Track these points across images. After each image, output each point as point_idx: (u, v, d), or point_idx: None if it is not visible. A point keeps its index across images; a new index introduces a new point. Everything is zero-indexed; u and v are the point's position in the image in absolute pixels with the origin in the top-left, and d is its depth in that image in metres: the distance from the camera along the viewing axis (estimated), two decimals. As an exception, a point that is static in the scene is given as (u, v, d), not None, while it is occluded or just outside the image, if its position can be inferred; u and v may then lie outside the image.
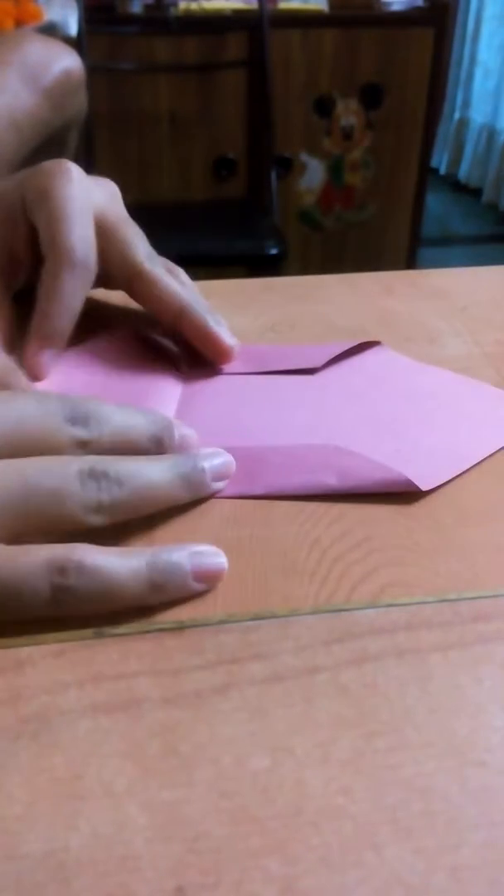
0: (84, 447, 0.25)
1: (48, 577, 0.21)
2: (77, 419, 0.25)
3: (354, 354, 0.37)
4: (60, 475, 0.23)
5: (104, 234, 0.35)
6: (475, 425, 0.32)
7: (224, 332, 0.35)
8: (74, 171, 0.34)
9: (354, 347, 0.37)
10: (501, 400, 0.34)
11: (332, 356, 0.36)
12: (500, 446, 0.31)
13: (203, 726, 0.19)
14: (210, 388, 0.34)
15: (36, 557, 0.22)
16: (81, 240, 0.33)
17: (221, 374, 0.35)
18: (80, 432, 0.25)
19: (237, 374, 0.35)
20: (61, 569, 0.21)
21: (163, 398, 0.33)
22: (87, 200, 0.34)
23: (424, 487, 0.28)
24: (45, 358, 0.33)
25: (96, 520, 0.24)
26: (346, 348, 0.37)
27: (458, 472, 0.29)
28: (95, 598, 0.22)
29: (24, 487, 0.23)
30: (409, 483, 0.28)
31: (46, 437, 0.25)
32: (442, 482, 0.28)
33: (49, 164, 0.34)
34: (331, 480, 0.28)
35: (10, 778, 0.18)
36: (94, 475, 0.24)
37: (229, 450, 0.29)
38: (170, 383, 0.34)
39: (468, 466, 0.29)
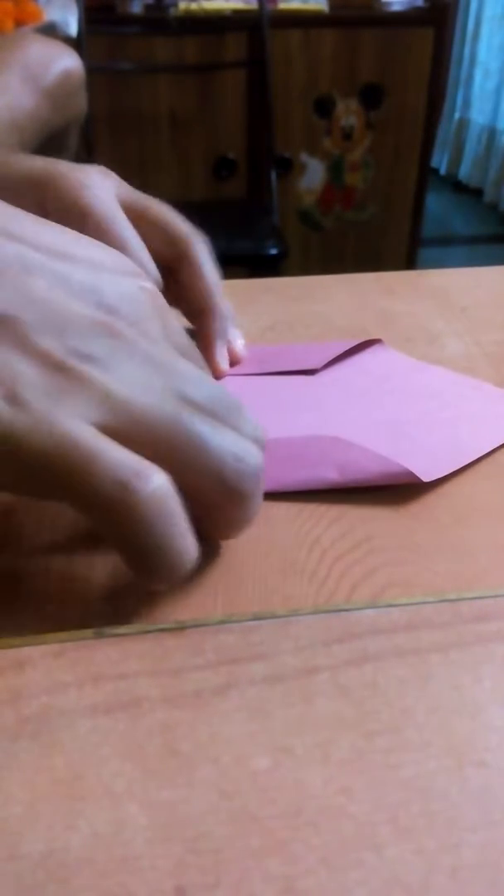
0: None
1: None
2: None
3: (355, 353, 0.37)
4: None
5: (140, 218, 0.35)
6: (475, 422, 0.32)
7: (223, 351, 0.36)
8: (94, 175, 0.34)
9: (355, 347, 0.37)
10: (500, 398, 0.34)
11: (333, 356, 0.36)
12: (501, 443, 0.31)
13: (203, 726, 0.19)
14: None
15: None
16: (140, 248, 0.33)
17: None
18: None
19: (236, 375, 0.36)
20: None
21: None
22: (114, 200, 0.34)
23: (426, 479, 0.28)
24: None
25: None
26: (346, 348, 0.37)
27: (459, 466, 0.29)
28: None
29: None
30: (410, 475, 0.28)
31: None
32: (443, 474, 0.28)
33: (64, 174, 0.34)
34: (332, 475, 0.28)
35: (10, 778, 0.18)
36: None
37: None
38: None
39: (469, 461, 0.29)
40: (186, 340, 0.27)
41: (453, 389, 0.35)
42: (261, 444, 0.24)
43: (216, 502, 0.23)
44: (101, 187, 0.34)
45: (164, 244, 0.36)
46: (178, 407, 0.22)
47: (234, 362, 0.36)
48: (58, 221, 0.25)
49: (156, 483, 0.20)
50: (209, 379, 0.24)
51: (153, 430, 0.21)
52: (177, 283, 0.36)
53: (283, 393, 0.34)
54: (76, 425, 0.20)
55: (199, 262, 0.36)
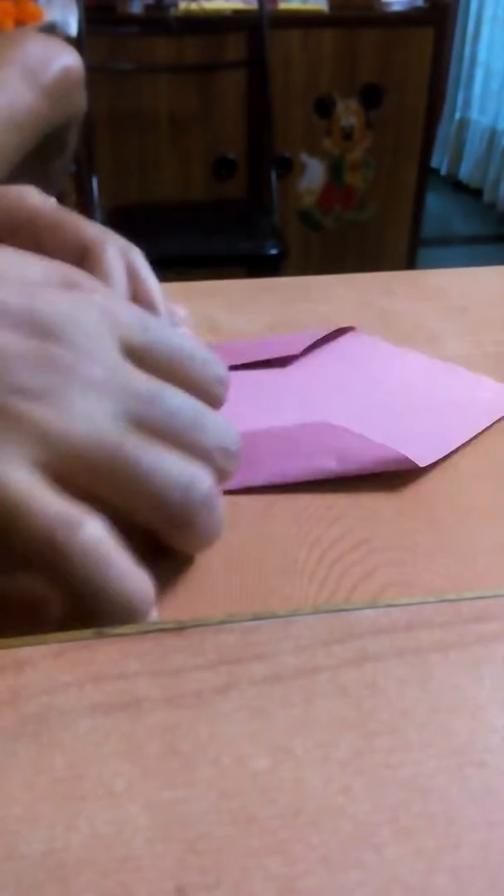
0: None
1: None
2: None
3: (330, 342, 0.37)
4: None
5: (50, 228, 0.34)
6: (459, 407, 0.32)
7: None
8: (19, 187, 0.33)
9: (330, 334, 0.37)
10: (478, 382, 0.34)
11: (308, 344, 0.36)
12: (486, 425, 0.31)
13: (203, 726, 0.19)
14: None
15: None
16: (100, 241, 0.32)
17: None
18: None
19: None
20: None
21: None
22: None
23: (422, 464, 0.28)
24: None
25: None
26: (320, 336, 0.37)
27: (451, 449, 0.29)
28: None
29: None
30: (407, 460, 0.28)
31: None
32: (437, 458, 0.29)
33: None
34: (330, 464, 0.28)
35: (10, 778, 0.18)
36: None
37: None
38: None
39: (459, 444, 0.30)
40: (168, 336, 0.25)
41: (432, 375, 0.35)
42: (229, 450, 0.23)
43: (165, 531, 0.22)
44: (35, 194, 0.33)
45: (72, 252, 0.33)
46: (122, 435, 0.21)
47: None
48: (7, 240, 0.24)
49: (86, 532, 0.20)
50: (169, 391, 0.23)
51: (93, 465, 0.21)
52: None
53: (263, 386, 0.34)
54: (10, 472, 0.20)
55: (105, 263, 0.32)
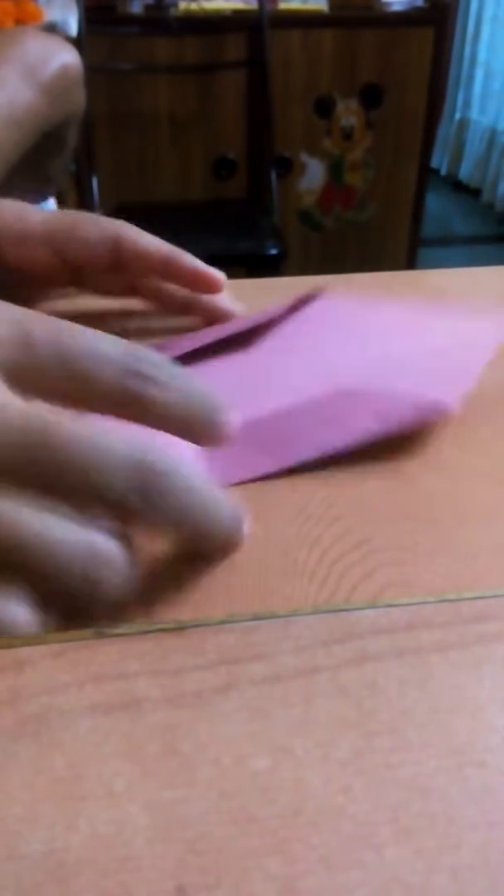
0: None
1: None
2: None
3: (304, 310, 0.37)
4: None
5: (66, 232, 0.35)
6: (457, 345, 0.32)
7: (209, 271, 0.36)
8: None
9: (300, 301, 0.38)
10: (465, 315, 0.35)
11: (281, 313, 0.37)
12: (489, 357, 0.32)
13: (203, 726, 0.19)
14: (196, 372, 0.33)
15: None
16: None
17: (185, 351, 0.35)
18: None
19: (207, 354, 0.35)
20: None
21: None
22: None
23: (453, 408, 0.28)
24: None
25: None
26: (292, 303, 0.37)
27: (468, 388, 0.30)
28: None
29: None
30: (442, 405, 0.28)
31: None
32: (460, 400, 0.29)
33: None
34: (371, 426, 0.28)
35: (10, 778, 0.18)
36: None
37: (253, 421, 0.28)
38: None
39: (474, 381, 0.30)
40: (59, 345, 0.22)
41: (420, 320, 0.35)
42: (145, 479, 0.21)
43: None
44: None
45: (96, 247, 0.35)
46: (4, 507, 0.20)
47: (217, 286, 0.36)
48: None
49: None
50: (53, 427, 0.20)
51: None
52: (128, 273, 0.36)
53: (263, 361, 0.34)
54: None
55: (134, 238, 0.35)
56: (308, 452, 0.28)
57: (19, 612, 0.20)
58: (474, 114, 3.32)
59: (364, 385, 0.30)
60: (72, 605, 0.21)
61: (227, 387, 0.32)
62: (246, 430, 0.27)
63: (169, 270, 0.36)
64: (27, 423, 0.20)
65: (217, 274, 0.36)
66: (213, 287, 0.37)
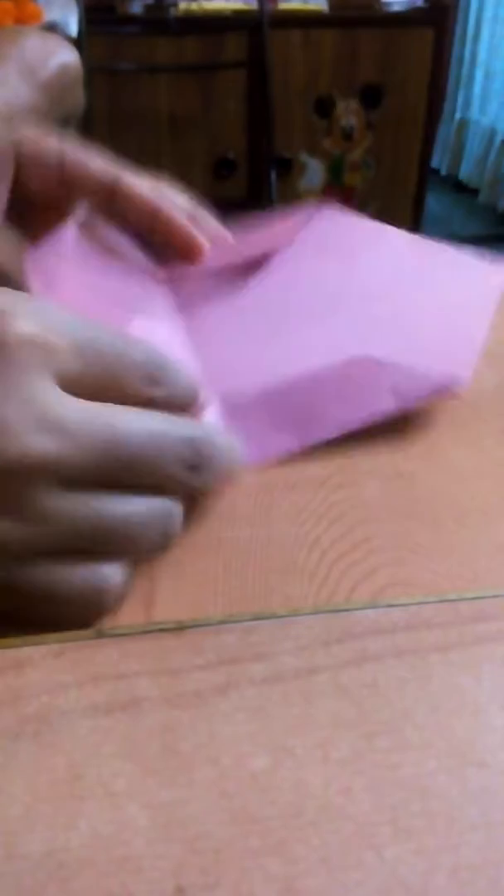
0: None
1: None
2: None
3: (305, 229, 0.37)
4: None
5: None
6: (460, 303, 0.33)
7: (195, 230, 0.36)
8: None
9: (303, 219, 0.38)
10: (465, 261, 0.35)
11: (296, 232, 0.37)
12: (491, 316, 0.32)
13: (203, 726, 0.19)
14: (206, 324, 0.33)
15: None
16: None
17: (194, 288, 0.35)
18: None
19: (220, 295, 0.35)
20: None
21: (160, 317, 0.32)
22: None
23: (465, 383, 0.29)
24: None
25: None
26: (292, 224, 0.37)
27: (476, 358, 0.30)
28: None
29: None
30: (456, 380, 0.29)
31: None
32: (470, 375, 0.30)
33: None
34: (390, 404, 0.29)
35: (10, 778, 0.18)
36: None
37: (273, 392, 0.29)
38: (158, 294, 0.34)
39: (480, 349, 0.31)
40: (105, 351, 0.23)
41: (420, 264, 0.36)
42: (199, 456, 0.23)
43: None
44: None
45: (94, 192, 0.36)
46: (19, 575, 0.21)
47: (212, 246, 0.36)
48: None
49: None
50: (83, 508, 0.21)
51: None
52: (123, 217, 0.36)
53: (274, 305, 0.34)
54: None
55: (130, 185, 0.36)
56: (330, 430, 0.29)
57: (115, 578, 0.22)
58: (474, 114, 3.32)
59: (379, 354, 0.30)
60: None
61: (239, 346, 0.32)
62: (268, 404, 0.28)
63: (156, 227, 0.36)
64: (91, 425, 0.21)
65: (202, 244, 0.36)
66: (192, 254, 0.36)
